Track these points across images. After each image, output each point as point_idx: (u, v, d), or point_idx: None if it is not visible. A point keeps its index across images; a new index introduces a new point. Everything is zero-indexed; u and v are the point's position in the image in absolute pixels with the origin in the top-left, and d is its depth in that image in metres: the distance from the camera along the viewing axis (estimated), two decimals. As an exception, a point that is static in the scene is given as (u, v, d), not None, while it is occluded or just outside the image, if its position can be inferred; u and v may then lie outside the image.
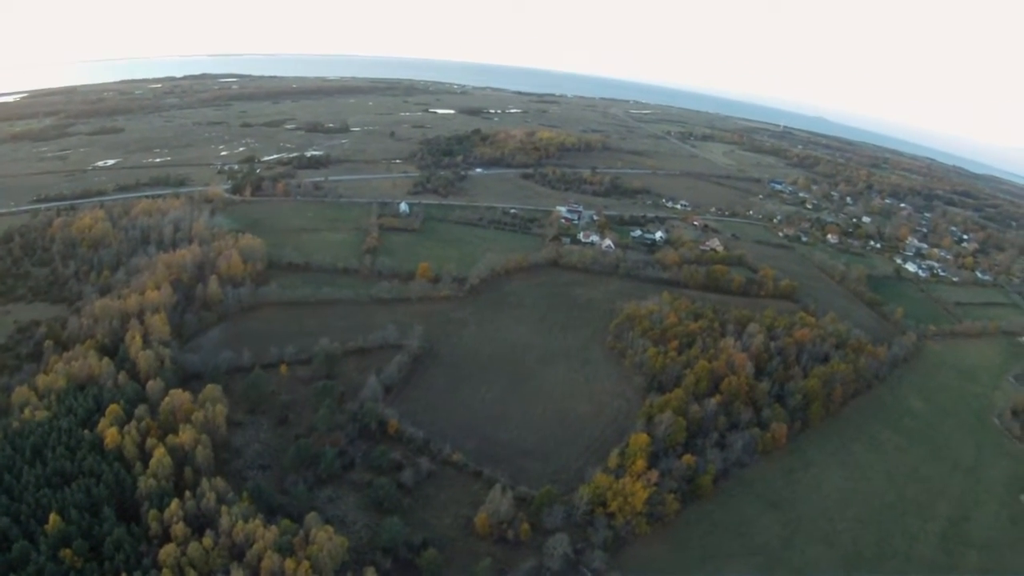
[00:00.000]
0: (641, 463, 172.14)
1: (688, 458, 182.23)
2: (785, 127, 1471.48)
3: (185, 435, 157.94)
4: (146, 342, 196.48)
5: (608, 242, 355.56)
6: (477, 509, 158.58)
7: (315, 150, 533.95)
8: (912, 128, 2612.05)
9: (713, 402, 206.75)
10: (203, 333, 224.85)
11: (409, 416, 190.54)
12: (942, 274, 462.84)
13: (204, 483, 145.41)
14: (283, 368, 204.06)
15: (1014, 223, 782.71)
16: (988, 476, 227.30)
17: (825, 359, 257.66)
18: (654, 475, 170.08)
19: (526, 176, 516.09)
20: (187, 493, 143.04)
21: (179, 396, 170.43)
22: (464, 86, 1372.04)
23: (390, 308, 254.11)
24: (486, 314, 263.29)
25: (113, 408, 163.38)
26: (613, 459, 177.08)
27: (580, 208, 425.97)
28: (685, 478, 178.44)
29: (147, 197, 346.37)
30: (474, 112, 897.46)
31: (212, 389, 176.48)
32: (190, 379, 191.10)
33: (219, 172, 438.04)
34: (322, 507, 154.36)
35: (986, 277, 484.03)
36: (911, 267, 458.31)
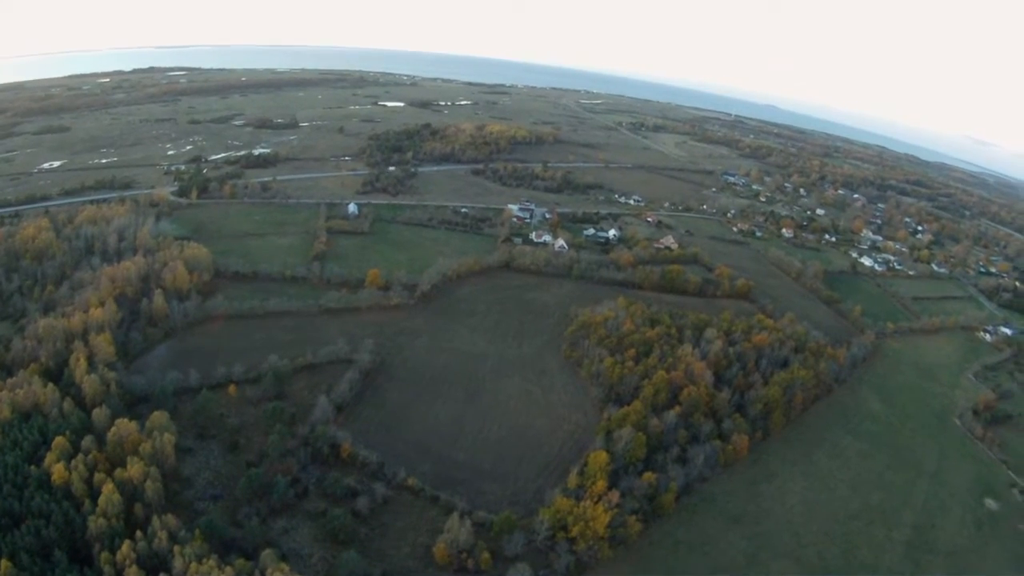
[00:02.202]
0: (601, 484, 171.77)
1: (649, 476, 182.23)
2: (736, 116, 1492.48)
3: (134, 468, 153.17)
4: (91, 365, 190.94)
5: (561, 242, 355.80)
6: (435, 537, 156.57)
7: (263, 147, 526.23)
8: (861, 116, 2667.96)
9: (673, 414, 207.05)
10: (149, 351, 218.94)
11: (362, 437, 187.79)
12: (898, 268, 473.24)
13: (155, 521, 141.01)
14: (232, 389, 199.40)
15: (967, 212, 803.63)
16: (952, 480, 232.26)
17: (785, 364, 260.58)
18: (615, 496, 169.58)
19: (477, 172, 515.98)
20: (138, 533, 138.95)
21: (126, 426, 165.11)
22: (414, 77, 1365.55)
23: (340, 319, 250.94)
24: (438, 323, 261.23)
25: (60, 441, 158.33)
26: (573, 479, 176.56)
27: (532, 206, 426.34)
28: (647, 497, 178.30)
29: (92, 202, 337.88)
30: (424, 105, 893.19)
31: (159, 416, 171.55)
32: (137, 403, 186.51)
33: (166, 173, 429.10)
34: (277, 540, 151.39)
35: (942, 270, 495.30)
36: (867, 261, 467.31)
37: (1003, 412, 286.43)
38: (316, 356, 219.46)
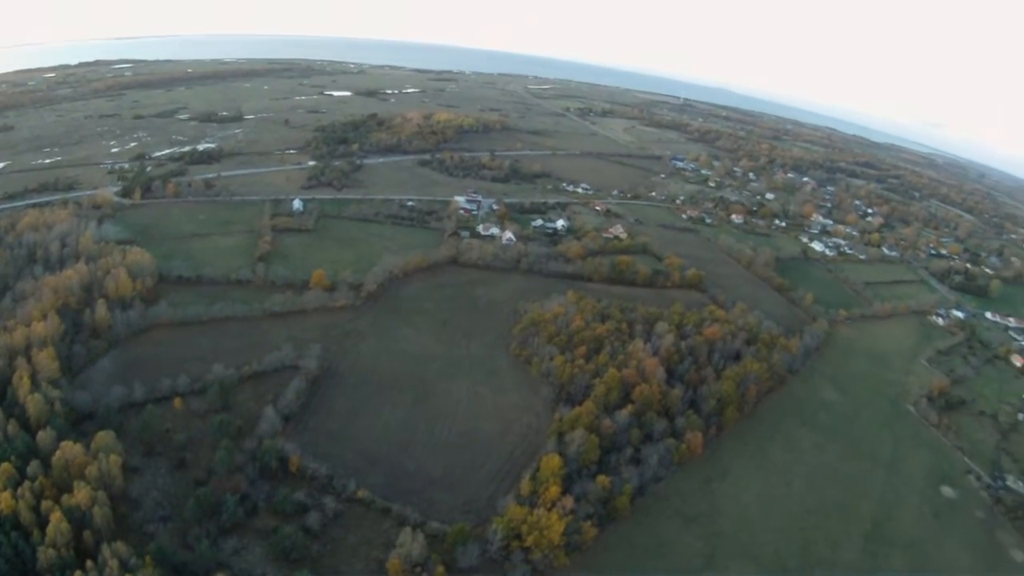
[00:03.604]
0: (555, 489, 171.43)
1: (603, 479, 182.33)
2: (685, 99, 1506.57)
3: (81, 494, 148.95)
4: (35, 383, 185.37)
5: (509, 234, 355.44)
6: (389, 551, 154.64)
7: (208, 142, 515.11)
8: (813, 102, 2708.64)
9: (625, 414, 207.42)
10: (93, 365, 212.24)
11: (311, 448, 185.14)
12: (849, 252, 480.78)
13: (105, 549, 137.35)
14: (177, 402, 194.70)
15: (917, 194, 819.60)
16: (908, 469, 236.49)
17: (737, 356, 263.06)
18: (569, 502, 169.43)
19: (423, 163, 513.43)
20: (89, 562, 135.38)
21: (71, 449, 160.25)
22: (362, 65, 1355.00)
23: (286, 323, 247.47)
24: (385, 323, 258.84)
25: (6, 467, 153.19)
26: (526, 485, 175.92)
27: (480, 197, 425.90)
28: (601, 500, 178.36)
29: (34, 206, 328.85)
30: (371, 93, 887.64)
31: (105, 437, 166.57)
32: (82, 421, 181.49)
33: (109, 172, 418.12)
34: (228, 561, 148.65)
35: (893, 253, 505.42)
36: (817, 246, 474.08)
37: (957, 398, 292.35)
38: (262, 364, 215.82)
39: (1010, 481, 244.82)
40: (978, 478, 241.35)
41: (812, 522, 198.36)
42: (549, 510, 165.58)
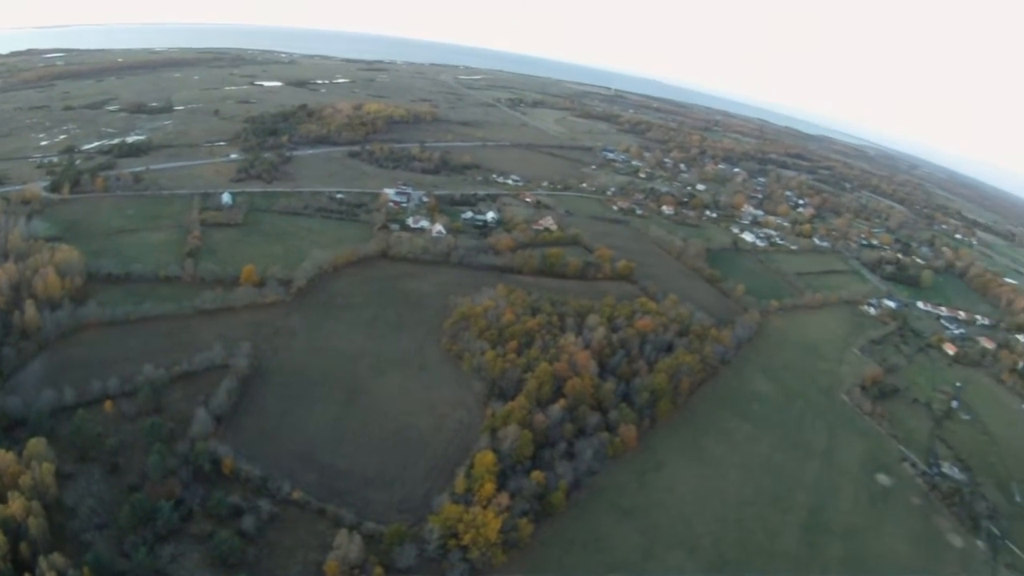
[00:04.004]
0: (490, 486, 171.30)
1: (537, 475, 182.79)
2: (616, 90, 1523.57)
3: (15, 504, 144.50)
4: None
5: (439, 227, 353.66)
6: (326, 553, 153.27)
7: (137, 134, 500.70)
8: (743, 95, 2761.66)
9: (558, 408, 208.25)
10: (23, 368, 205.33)
11: (244, 449, 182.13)
12: (780, 243, 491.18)
13: (42, 562, 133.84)
14: (108, 405, 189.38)
15: (848, 185, 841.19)
16: (843, 458, 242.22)
17: (669, 348, 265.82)
18: (505, 499, 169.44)
19: (353, 155, 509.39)
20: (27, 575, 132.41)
21: (3, 458, 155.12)
22: (292, 55, 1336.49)
23: (215, 320, 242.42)
24: (315, 320, 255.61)
25: None
26: (460, 483, 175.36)
27: (409, 190, 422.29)
28: (536, 496, 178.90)
29: None
30: (301, 84, 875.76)
31: (37, 444, 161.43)
32: (13, 427, 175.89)
33: (38, 166, 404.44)
34: (166, 568, 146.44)
35: (824, 244, 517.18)
36: (748, 237, 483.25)
37: (891, 386, 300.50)
38: (192, 363, 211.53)
39: (945, 468, 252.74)
40: (913, 465, 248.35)
41: (749, 513, 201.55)
42: (485, 508, 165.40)
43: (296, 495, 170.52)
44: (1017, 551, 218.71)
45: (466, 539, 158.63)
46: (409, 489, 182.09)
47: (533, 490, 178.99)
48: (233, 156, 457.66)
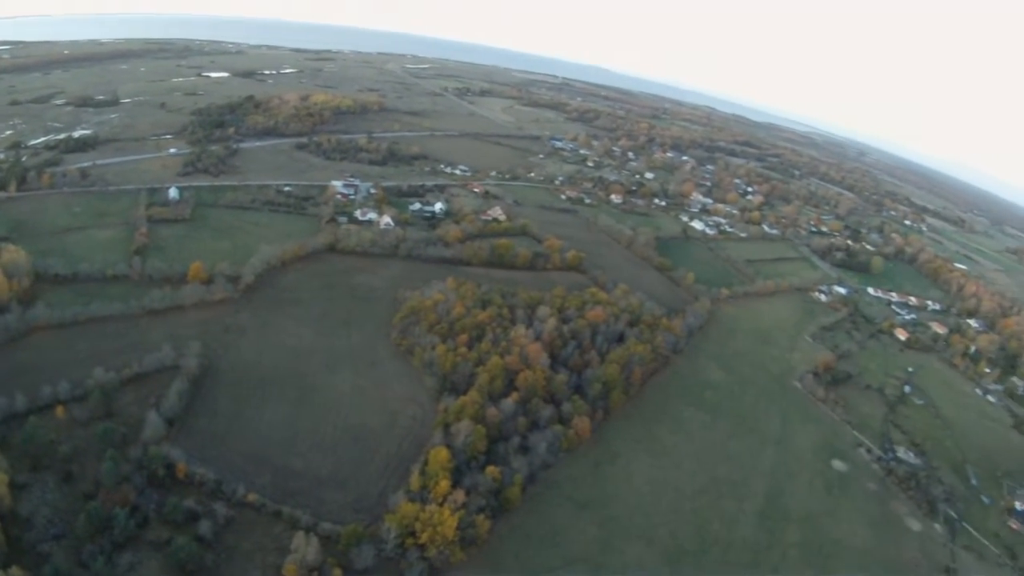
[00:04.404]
0: (445, 483, 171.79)
1: (492, 470, 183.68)
2: (564, 79, 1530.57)
3: None
4: None
5: (387, 219, 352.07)
6: (284, 556, 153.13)
7: (84, 128, 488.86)
8: (693, 85, 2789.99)
9: (510, 402, 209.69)
10: None
11: (197, 452, 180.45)
12: (729, 230, 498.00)
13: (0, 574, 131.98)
14: (59, 411, 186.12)
15: (797, 172, 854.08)
16: (797, 445, 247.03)
17: (621, 338, 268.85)
18: (460, 495, 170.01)
19: (301, 146, 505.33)
20: None
21: None
22: (240, 45, 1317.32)
23: (164, 320, 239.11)
24: (264, 316, 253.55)
25: None
26: (415, 480, 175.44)
27: (357, 182, 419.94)
28: (492, 492, 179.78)
29: None
30: (248, 74, 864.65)
31: None
32: None
33: None
34: None
35: (774, 231, 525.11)
36: (698, 225, 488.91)
37: (843, 372, 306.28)
38: (142, 365, 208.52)
39: (900, 452, 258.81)
40: (868, 451, 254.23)
41: (705, 501, 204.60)
42: (441, 505, 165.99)
43: (251, 498, 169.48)
44: (975, 533, 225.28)
45: (423, 538, 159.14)
46: (364, 488, 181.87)
47: (488, 485, 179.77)
48: (179, 150, 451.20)
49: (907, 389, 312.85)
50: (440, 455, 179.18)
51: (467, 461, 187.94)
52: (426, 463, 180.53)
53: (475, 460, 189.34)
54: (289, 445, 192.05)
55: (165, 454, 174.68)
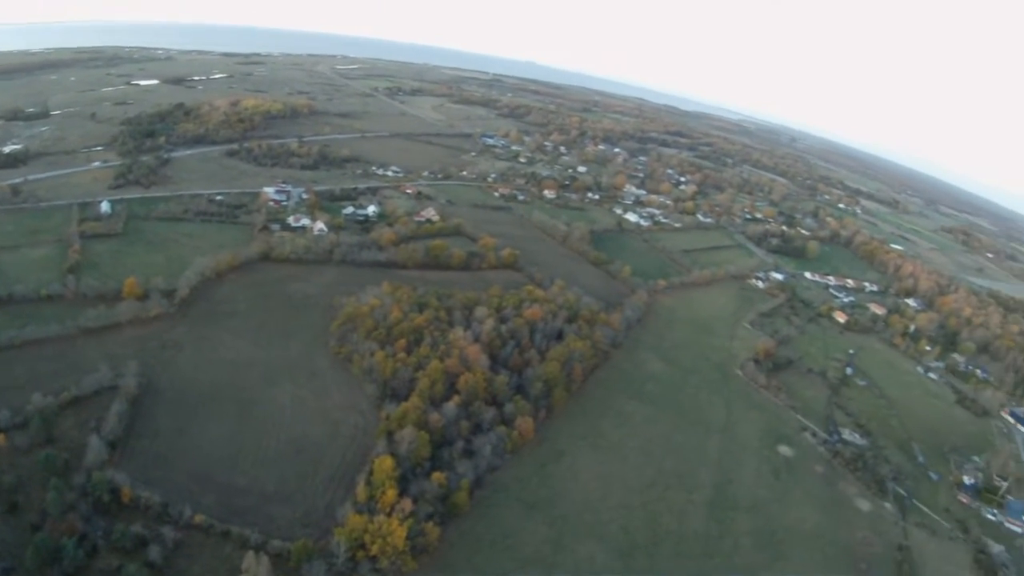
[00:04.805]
0: (391, 492, 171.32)
1: (438, 476, 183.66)
2: (495, 75, 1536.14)
3: None
4: None
5: (320, 224, 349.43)
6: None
7: (14, 143, 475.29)
8: (623, 77, 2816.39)
9: (452, 406, 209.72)
10: None
11: (140, 475, 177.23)
12: (664, 221, 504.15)
13: None
14: (0, 439, 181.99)
15: (730, 160, 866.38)
16: (743, 433, 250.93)
17: (560, 336, 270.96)
18: (408, 504, 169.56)
19: (232, 153, 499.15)
20: None
21: None
22: (169, 51, 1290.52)
23: (101, 339, 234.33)
24: (201, 331, 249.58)
25: None
26: (362, 491, 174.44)
27: (289, 187, 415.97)
28: (439, 498, 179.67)
29: None
30: (178, 81, 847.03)
31: None
32: None
33: None
34: None
35: (708, 220, 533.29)
36: (632, 217, 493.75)
37: (784, 358, 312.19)
38: (81, 388, 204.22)
39: (846, 434, 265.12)
40: (814, 434, 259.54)
41: (654, 495, 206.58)
42: (389, 515, 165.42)
43: (198, 519, 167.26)
44: (925, 509, 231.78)
45: (374, 549, 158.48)
46: (311, 502, 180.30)
47: (435, 492, 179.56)
48: (111, 161, 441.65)
49: (849, 371, 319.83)
50: (385, 464, 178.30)
51: (412, 468, 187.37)
52: (371, 473, 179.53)
53: (420, 467, 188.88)
54: (233, 462, 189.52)
55: (109, 479, 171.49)
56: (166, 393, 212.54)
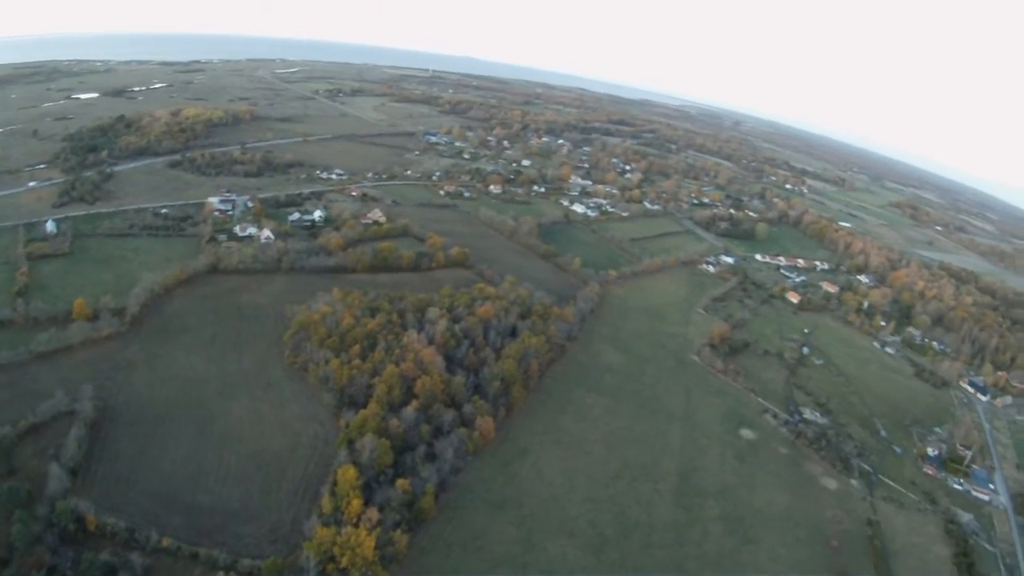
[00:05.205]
0: (357, 503, 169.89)
1: (402, 482, 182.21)
2: (434, 71, 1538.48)
3: None
4: None
5: (267, 233, 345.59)
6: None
7: None
8: (564, 69, 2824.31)
9: (411, 410, 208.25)
10: None
11: (104, 501, 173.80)
12: (611, 210, 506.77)
13: None
14: None
15: (674, 146, 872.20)
16: (703, 419, 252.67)
17: (514, 332, 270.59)
18: (374, 513, 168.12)
19: (175, 164, 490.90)
20: None
21: None
22: (108, 62, 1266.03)
23: (54, 363, 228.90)
24: (153, 348, 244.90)
25: None
26: (327, 503, 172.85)
27: (234, 196, 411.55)
28: (405, 505, 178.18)
29: None
30: (118, 93, 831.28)
31: None
32: None
33: None
34: None
35: (655, 207, 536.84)
36: (579, 208, 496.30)
37: (740, 341, 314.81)
38: (37, 415, 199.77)
39: (807, 414, 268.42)
40: (775, 416, 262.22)
41: (620, 487, 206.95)
42: (356, 526, 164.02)
43: (166, 542, 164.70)
44: (892, 483, 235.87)
45: (344, 561, 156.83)
46: (277, 517, 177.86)
47: (401, 499, 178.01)
48: (54, 179, 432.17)
49: (805, 351, 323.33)
50: (348, 474, 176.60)
51: (376, 476, 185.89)
52: (335, 483, 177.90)
53: (383, 474, 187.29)
54: (195, 481, 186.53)
55: (73, 507, 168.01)
56: (123, 415, 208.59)
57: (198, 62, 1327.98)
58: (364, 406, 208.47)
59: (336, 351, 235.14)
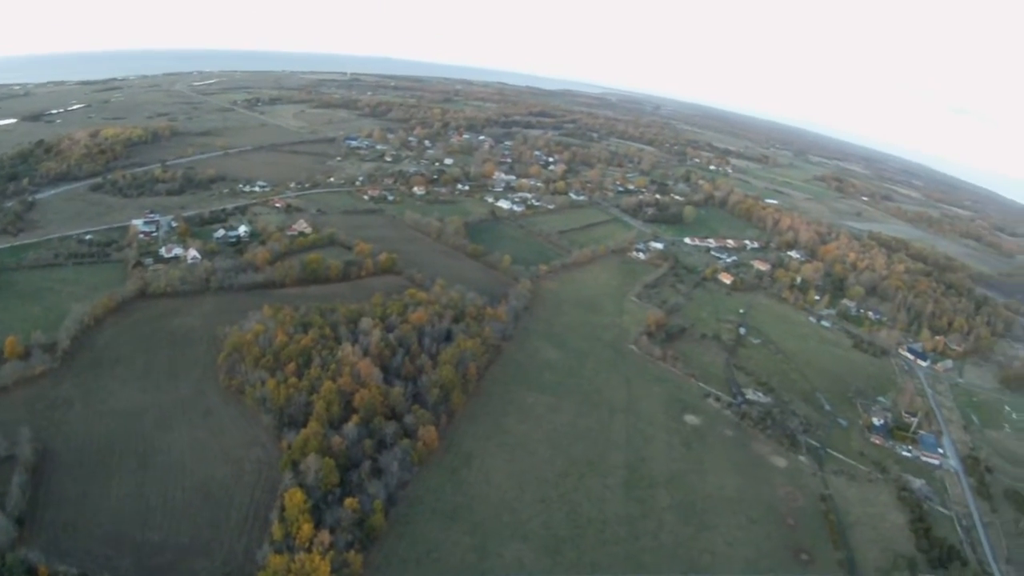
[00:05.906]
0: (307, 527, 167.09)
1: (351, 501, 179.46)
2: (352, 74, 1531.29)
3: None
4: None
5: (193, 252, 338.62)
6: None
7: None
8: (482, 64, 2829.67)
9: (352, 426, 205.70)
10: None
11: (54, 548, 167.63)
12: (537, 204, 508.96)
13: None
14: None
15: (595, 135, 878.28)
16: (646, 408, 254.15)
17: (448, 337, 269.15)
18: (326, 536, 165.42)
19: (96, 187, 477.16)
20: None
21: None
22: (26, 85, 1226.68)
23: None
24: (87, 383, 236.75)
25: None
26: (277, 529, 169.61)
27: (157, 217, 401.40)
28: (355, 524, 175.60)
29: None
30: (36, 117, 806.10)
31: None
32: None
33: None
34: None
35: (581, 197, 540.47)
36: (504, 204, 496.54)
37: (676, 327, 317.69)
38: None
39: (749, 394, 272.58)
40: (717, 399, 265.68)
41: (570, 485, 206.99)
42: (309, 550, 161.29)
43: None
44: (841, 456, 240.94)
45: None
46: (228, 548, 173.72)
47: (351, 518, 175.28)
48: None
49: (742, 331, 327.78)
50: (295, 497, 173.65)
51: (323, 497, 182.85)
52: (283, 508, 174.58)
53: (331, 494, 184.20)
54: (143, 518, 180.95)
55: (23, 559, 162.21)
56: (63, 456, 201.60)
57: (115, 80, 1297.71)
58: (304, 425, 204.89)
59: (271, 370, 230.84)
